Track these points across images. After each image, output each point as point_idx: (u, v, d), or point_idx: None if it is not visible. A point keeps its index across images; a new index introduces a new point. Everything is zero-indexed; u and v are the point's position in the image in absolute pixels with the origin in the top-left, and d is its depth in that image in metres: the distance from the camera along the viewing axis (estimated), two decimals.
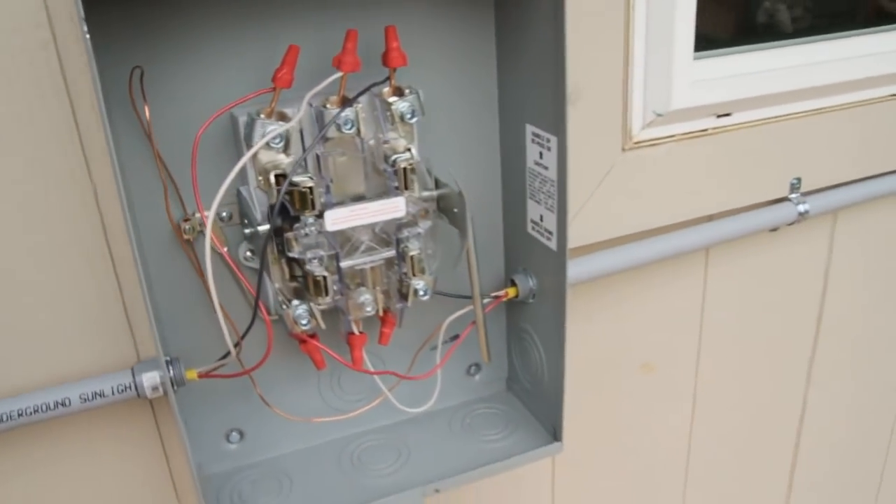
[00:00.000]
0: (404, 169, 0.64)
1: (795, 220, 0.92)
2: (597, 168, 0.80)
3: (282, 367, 0.77)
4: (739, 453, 1.11)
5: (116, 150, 0.63)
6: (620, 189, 0.82)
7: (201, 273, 0.69)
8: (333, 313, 0.70)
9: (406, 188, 0.64)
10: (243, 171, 0.64)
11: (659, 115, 0.79)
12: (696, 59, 0.79)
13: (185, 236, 0.67)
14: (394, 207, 0.64)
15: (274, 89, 0.62)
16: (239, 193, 0.67)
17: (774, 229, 0.94)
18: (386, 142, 0.65)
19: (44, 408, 0.65)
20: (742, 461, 1.12)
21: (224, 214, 0.69)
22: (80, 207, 0.64)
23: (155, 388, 0.67)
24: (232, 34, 0.64)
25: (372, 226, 0.65)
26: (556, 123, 0.66)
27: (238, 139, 0.65)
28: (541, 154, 0.70)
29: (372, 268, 0.66)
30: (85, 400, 0.66)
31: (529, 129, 0.71)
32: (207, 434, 0.77)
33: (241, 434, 0.78)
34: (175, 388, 0.67)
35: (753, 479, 1.15)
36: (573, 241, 0.82)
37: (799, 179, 0.91)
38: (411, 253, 0.67)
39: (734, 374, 1.03)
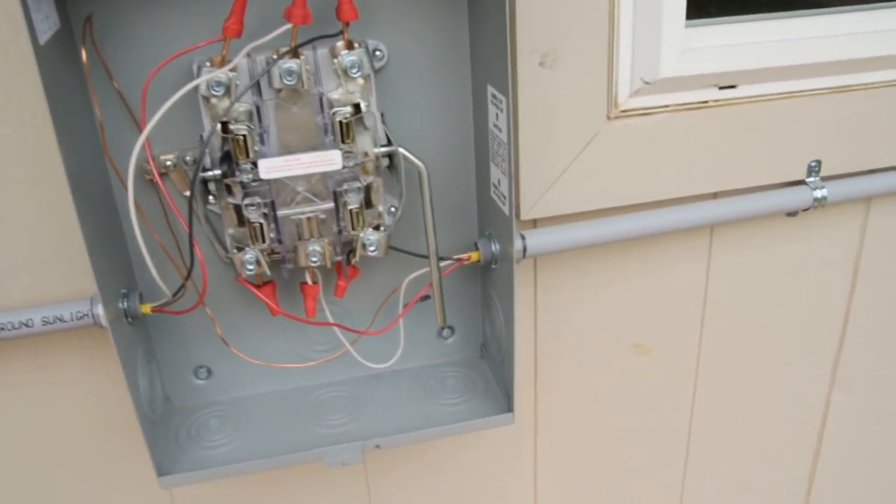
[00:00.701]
0: (340, 122, 0.64)
1: (811, 206, 0.85)
2: (579, 135, 0.77)
3: (252, 312, 0.79)
4: (749, 454, 1.05)
5: (84, 92, 0.67)
6: (606, 159, 0.78)
7: (176, 210, 0.72)
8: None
9: (343, 142, 0.64)
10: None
11: (647, 82, 0.75)
12: (688, 26, 0.74)
13: (147, 177, 0.70)
14: (328, 160, 0.64)
15: (225, 39, 0.63)
16: (201, 139, 0.69)
17: (792, 214, 0.88)
18: (322, 94, 0.65)
19: (9, 326, 0.70)
20: (753, 465, 1.06)
21: (188, 158, 0.71)
22: (48, 146, 0.68)
23: None
24: None
25: (308, 177, 0.66)
26: (505, 82, 0.64)
27: None
28: (497, 115, 0.68)
29: (309, 218, 0.67)
30: (46, 323, 0.71)
31: (490, 89, 0.69)
32: (177, 368, 0.81)
33: (209, 371, 0.82)
34: (129, 319, 0.71)
35: (764, 485, 1.08)
36: (551, 210, 0.80)
37: (818, 162, 0.84)
38: (350, 207, 0.67)
39: (743, 367, 0.97)
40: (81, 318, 0.71)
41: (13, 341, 0.74)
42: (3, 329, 0.70)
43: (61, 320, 0.71)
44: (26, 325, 0.71)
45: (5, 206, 0.70)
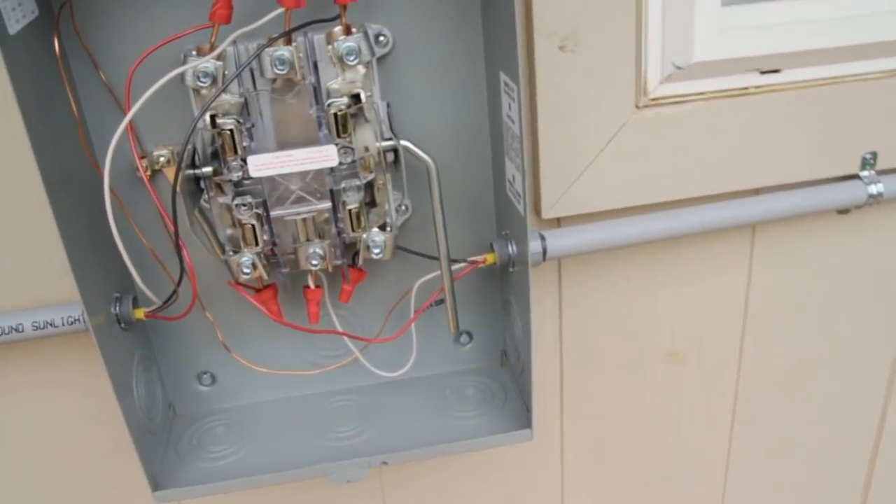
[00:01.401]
0: (336, 115, 0.58)
1: (866, 203, 0.77)
2: (604, 127, 0.70)
3: (256, 315, 0.74)
4: (796, 472, 0.97)
5: (72, 84, 0.63)
6: (635, 151, 0.72)
7: (162, 210, 0.67)
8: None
9: (339, 136, 0.59)
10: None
11: (679, 67, 0.68)
12: (725, 3, 0.67)
13: (138, 174, 0.66)
14: (324, 156, 0.59)
15: (213, 25, 0.59)
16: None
17: (844, 212, 0.80)
18: (317, 85, 0.60)
19: None
20: (800, 484, 0.98)
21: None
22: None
23: None
24: None
25: (303, 175, 0.61)
26: (516, 68, 0.58)
27: None
28: (509, 105, 0.62)
29: (305, 220, 0.62)
30: (37, 328, 0.67)
31: (502, 76, 0.63)
32: (180, 374, 0.77)
33: (214, 378, 0.78)
34: (122, 325, 0.67)
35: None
36: (575, 208, 0.74)
37: (874, 154, 0.76)
38: (349, 207, 0.62)
39: (789, 378, 0.90)
40: (73, 323, 0.68)
41: (7, 346, 0.71)
42: None
43: (52, 325, 0.68)
44: (16, 330, 0.67)
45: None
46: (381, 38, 0.65)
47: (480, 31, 0.67)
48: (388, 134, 0.64)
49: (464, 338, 0.80)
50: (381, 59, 0.66)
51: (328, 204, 0.62)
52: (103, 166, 0.59)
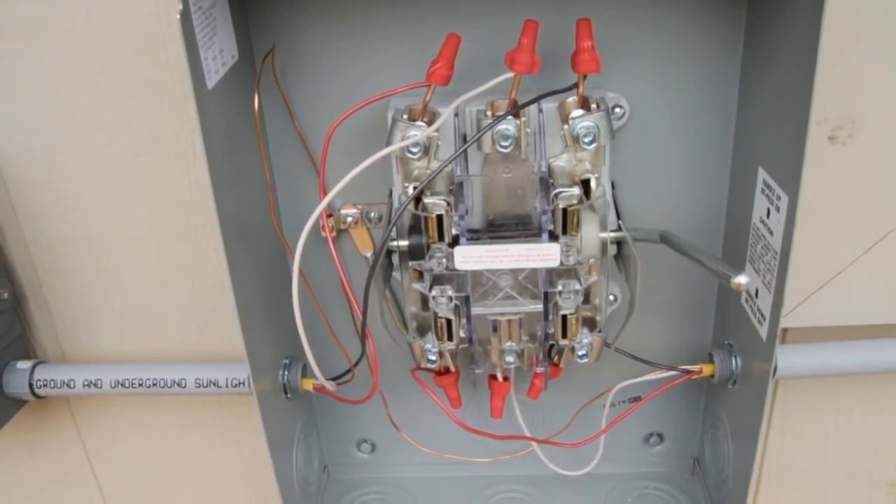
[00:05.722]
0: (565, 211, 0.49)
1: None
2: (868, 228, 0.58)
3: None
4: None
5: (266, 134, 0.57)
6: None
7: (345, 280, 0.60)
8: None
9: (565, 233, 0.50)
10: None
11: None
12: None
13: (322, 234, 0.59)
14: (545, 255, 0.50)
15: (428, 86, 0.51)
16: (391, 195, 0.57)
17: None
18: (542, 166, 0.51)
19: (161, 383, 0.63)
20: None
21: (373, 215, 0.61)
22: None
23: None
24: (393, 17, 0.54)
25: (515, 272, 0.52)
26: (791, 176, 0.47)
27: None
28: (768, 211, 0.51)
29: (510, 321, 0.54)
30: (200, 385, 0.62)
31: (761, 173, 0.52)
32: (339, 439, 0.71)
33: (374, 446, 0.72)
34: (289, 395, 0.61)
35: None
36: (812, 319, 0.62)
37: None
38: (563, 311, 0.53)
39: None
40: (237, 385, 0.62)
41: (168, 398, 0.67)
42: (155, 385, 0.63)
43: (216, 385, 0.62)
44: (179, 385, 0.63)
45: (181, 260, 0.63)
46: (618, 110, 0.55)
47: (734, 109, 0.56)
48: (612, 221, 0.55)
49: (653, 439, 0.70)
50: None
51: (539, 306, 0.53)
52: (292, 240, 0.52)
